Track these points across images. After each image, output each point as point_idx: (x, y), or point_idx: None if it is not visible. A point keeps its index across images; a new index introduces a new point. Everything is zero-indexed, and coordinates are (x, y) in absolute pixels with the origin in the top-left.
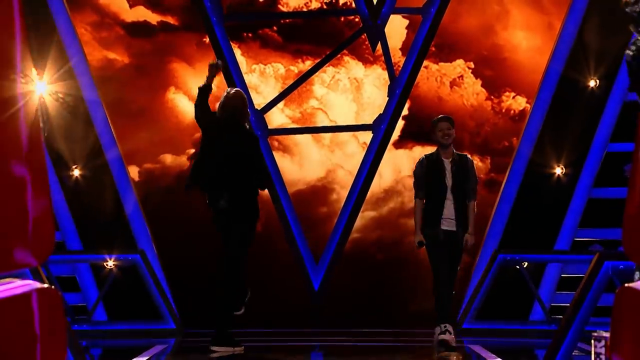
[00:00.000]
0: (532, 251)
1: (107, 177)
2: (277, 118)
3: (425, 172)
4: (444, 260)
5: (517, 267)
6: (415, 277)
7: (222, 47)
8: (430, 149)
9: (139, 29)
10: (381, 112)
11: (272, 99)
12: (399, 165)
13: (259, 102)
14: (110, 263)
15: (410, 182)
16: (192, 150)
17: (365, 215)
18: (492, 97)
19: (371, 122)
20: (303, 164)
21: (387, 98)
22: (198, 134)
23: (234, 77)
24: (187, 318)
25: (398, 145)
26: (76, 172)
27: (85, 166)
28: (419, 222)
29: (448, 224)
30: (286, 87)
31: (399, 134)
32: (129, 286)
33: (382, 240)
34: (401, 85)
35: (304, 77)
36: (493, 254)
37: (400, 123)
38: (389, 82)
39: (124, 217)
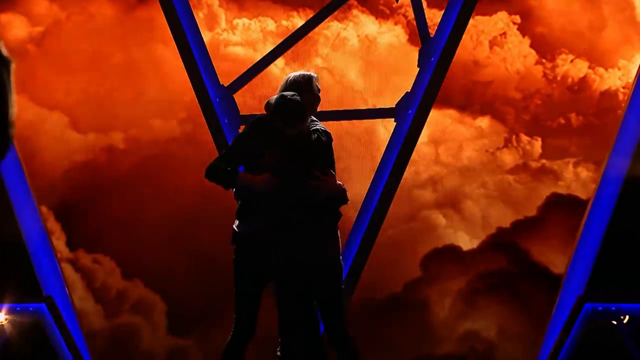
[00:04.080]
0: (634, 299)
1: None
2: (278, 79)
3: None
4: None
5: (613, 322)
6: None
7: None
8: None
9: None
10: (408, 91)
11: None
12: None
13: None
14: (1, 316)
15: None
16: None
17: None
18: (544, 60)
19: (393, 105)
20: None
21: (418, 69)
22: None
23: (190, 41)
24: None
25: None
26: None
27: None
28: None
29: None
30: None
31: None
32: (30, 348)
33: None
34: (439, 50)
35: (292, 39)
36: (577, 303)
37: None
38: (420, 46)
39: (23, 249)
